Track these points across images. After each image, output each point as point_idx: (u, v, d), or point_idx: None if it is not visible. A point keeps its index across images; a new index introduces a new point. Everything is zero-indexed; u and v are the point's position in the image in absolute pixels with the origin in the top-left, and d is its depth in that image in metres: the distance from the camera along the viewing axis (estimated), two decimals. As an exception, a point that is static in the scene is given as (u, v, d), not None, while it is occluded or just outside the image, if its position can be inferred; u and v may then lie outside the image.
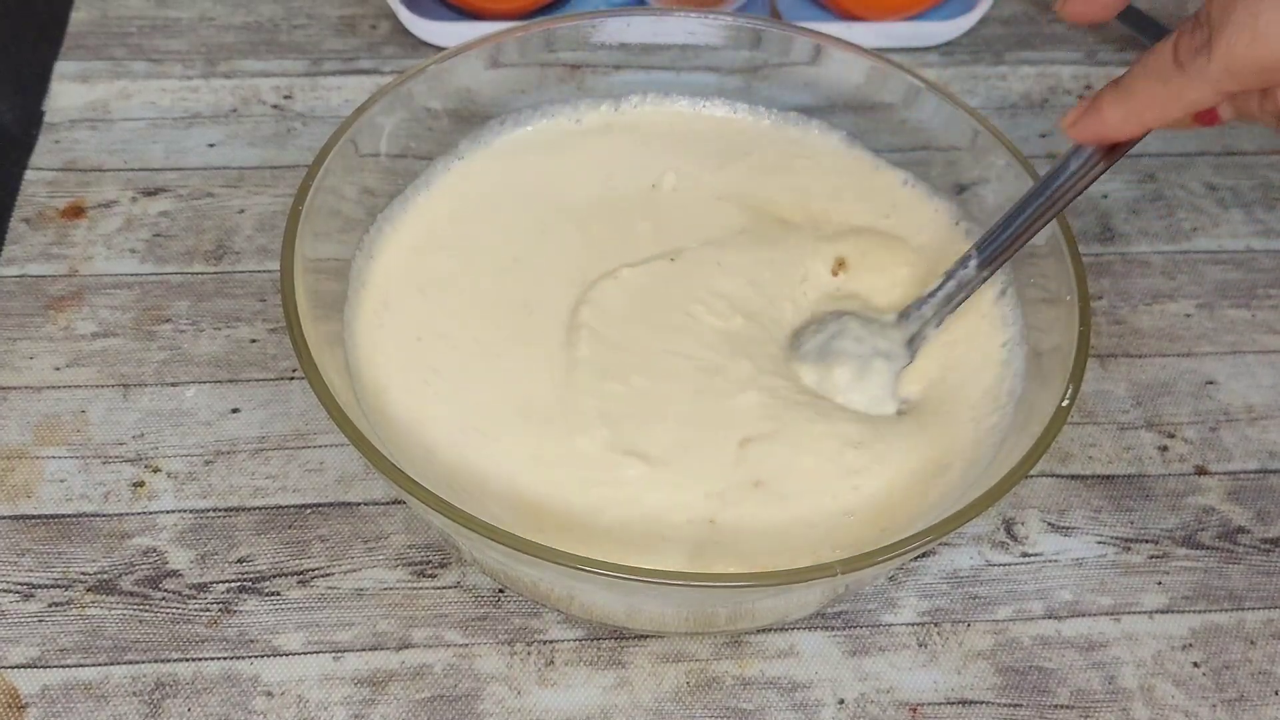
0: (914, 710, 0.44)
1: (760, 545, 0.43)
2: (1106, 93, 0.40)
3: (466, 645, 0.45)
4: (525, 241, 0.52)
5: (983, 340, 0.49)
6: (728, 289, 0.50)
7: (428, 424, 0.45)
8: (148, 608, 0.46)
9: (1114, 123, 0.40)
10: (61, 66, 0.65)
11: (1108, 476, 0.51)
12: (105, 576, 0.46)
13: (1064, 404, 0.41)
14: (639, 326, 0.48)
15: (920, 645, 0.46)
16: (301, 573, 0.47)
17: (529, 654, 0.45)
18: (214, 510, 0.48)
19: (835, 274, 0.50)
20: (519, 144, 0.55)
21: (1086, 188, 0.44)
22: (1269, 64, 0.35)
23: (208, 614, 0.46)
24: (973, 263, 0.47)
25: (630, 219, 0.53)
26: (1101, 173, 0.44)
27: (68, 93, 0.64)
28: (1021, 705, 0.45)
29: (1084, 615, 0.47)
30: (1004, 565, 0.48)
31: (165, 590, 0.46)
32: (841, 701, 0.44)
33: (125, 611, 0.45)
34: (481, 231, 0.52)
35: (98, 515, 0.48)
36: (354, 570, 0.47)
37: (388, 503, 0.49)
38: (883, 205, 0.53)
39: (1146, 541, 0.49)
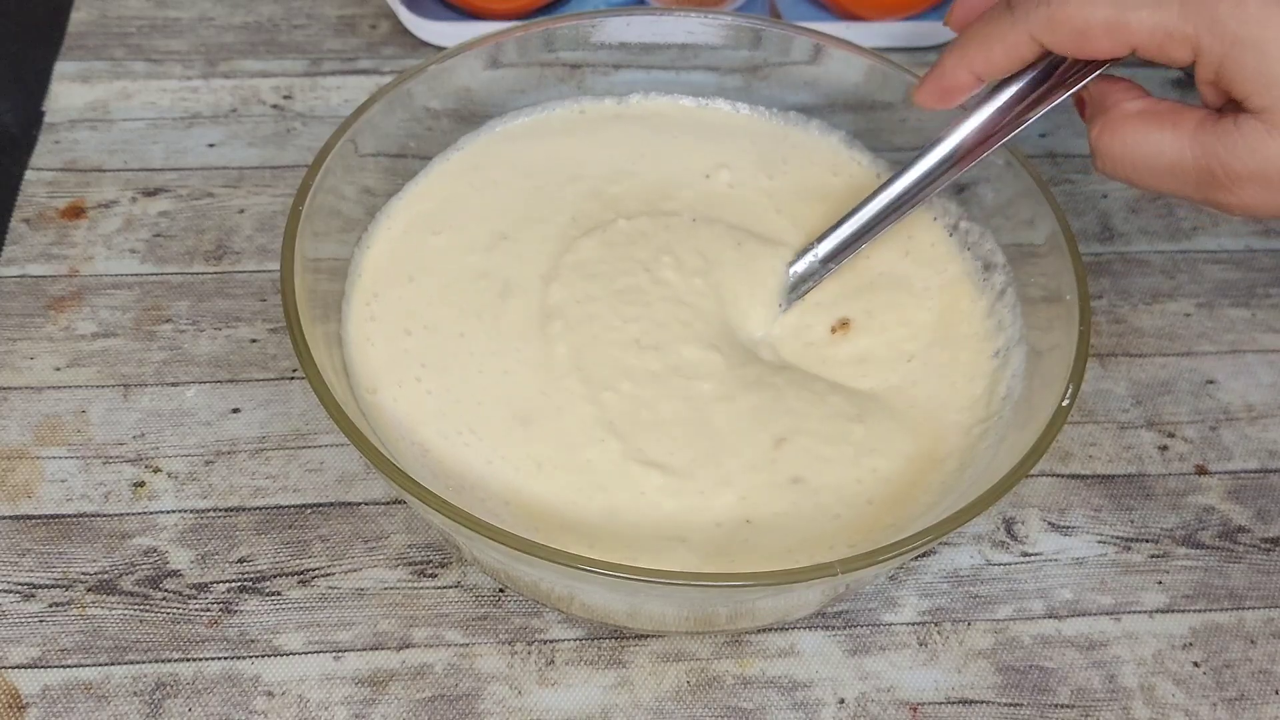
0: (914, 709, 0.44)
1: (789, 541, 0.43)
2: (947, 47, 0.44)
3: (467, 645, 0.45)
4: (521, 215, 0.52)
5: (968, 343, 0.49)
6: (725, 262, 0.50)
7: (421, 423, 0.45)
8: (148, 608, 0.46)
9: (949, 70, 0.44)
10: (61, 66, 0.65)
11: (1108, 476, 0.51)
12: (106, 576, 0.46)
13: (1064, 403, 0.41)
14: (603, 301, 0.48)
15: (920, 644, 0.46)
16: (302, 573, 0.47)
17: (529, 654, 0.45)
18: (214, 510, 0.48)
19: (834, 331, 0.50)
20: (523, 130, 0.55)
21: (928, 196, 0.48)
22: (1089, 28, 0.38)
23: (208, 614, 0.46)
24: (811, 257, 0.50)
25: (669, 193, 0.53)
26: (945, 183, 0.48)
27: (68, 93, 0.64)
28: (1022, 704, 0.45)
29: (1084, 614, 0.47)
30: (1004, 565, 0.48)
31: (166, 590, 0.46)
32: (842, 701, 0.44)
33: (126, 611, 0.45)
34: (476, 209, 0.52)
35: (98, 515, 0.48)
36: (354, 570, 0.47)
37: (388, 502, 0.49)
38: (900, 238, 0.52)
39: (1147, 541, 0.49)
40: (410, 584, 0.47)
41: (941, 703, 0.45)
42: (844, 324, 0.49)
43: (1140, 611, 0.47)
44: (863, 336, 0.49)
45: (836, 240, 0.50)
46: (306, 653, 0.45)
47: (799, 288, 0.50)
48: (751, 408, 0.46)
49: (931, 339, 0.49)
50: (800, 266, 0.50)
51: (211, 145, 0.62)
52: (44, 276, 0.56)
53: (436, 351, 0.47)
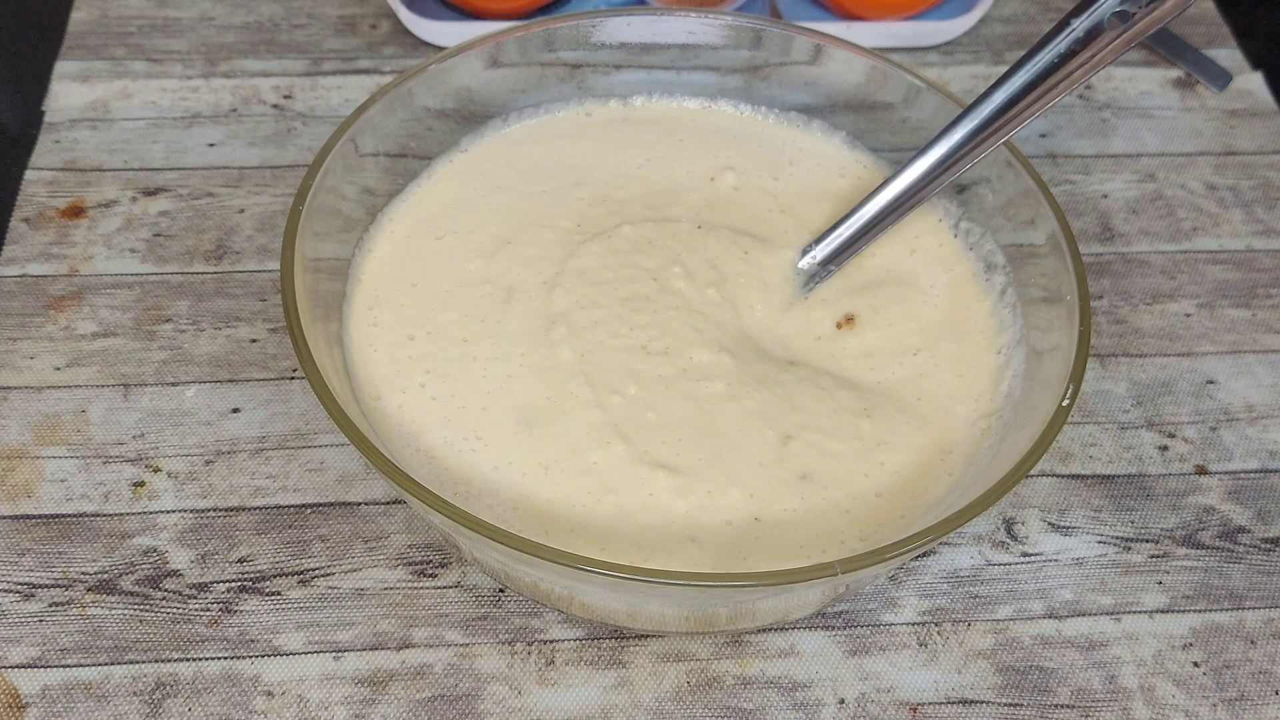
0: (914, 710, 0.44)
1: (799, 538, 0.43)
2: None
3: (467, 645, 0.45)
4: (525, 219, 0.52)
5: (975, 337, 0.49)
6: (737, 273, 0.50)
7: (426, 430, 0.45)
8: (148, 608, 0.46)
9: None
10: (61, 66, 0.65)
11: (1108, 476, 0.51)
12: (106, 576, 0.46)
13: (1064, 403, 0.41)
14: (608, 308, 0.48)
15: (920, 645, 0.46)
16: (302, 572, 0.47)
17: (529, 654, 0.45)
18: (214, 510, 0.48)
19: (840, 327, 0.50)
20: (529, 132, 0.55)
21: (929, 196, 0.49)
22: None
23: (208, 614, 0.46)
24: (811, 259, 0.51)
25: (674, 197, 0.53)
26: (945, 183, 0.48)
27: (68, 93, 0.64)
28: (1022, 705, 0.45)
29: (1084, 615, 0.47)
30: (1004, 565, 0.48)
31: (166, 590, 0.46)
32: (842, 701, 0.44)
33: (126, 611, 0.45)
34: (479, 214, 0.52)
35: (98, 515, 0.48)
36: (354, 570, 0.47)
37: (388, 502, 0.49)
38: (906, 237, 0.52)
39: (1147, 541, 0.49)
40: (410, 584, 0.47)
41: (941, 703, 0.45)
42: (849, 319, 0.49)
43: (1140, 612, 0.47)
44: (869, 331, 0.49)
45: (837, 242, 0.50)
46: (306, 653, 0.45)
47: (806, 287, 0.50)
48: (758, 406, 0.46)
49: (938, 333, 0.49)
50: (805, 267, 0.50)
51: (212, 145, 0.62)
52: (44, 276, 0.56)
53: (440, 358, 0.47)
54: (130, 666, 0.44)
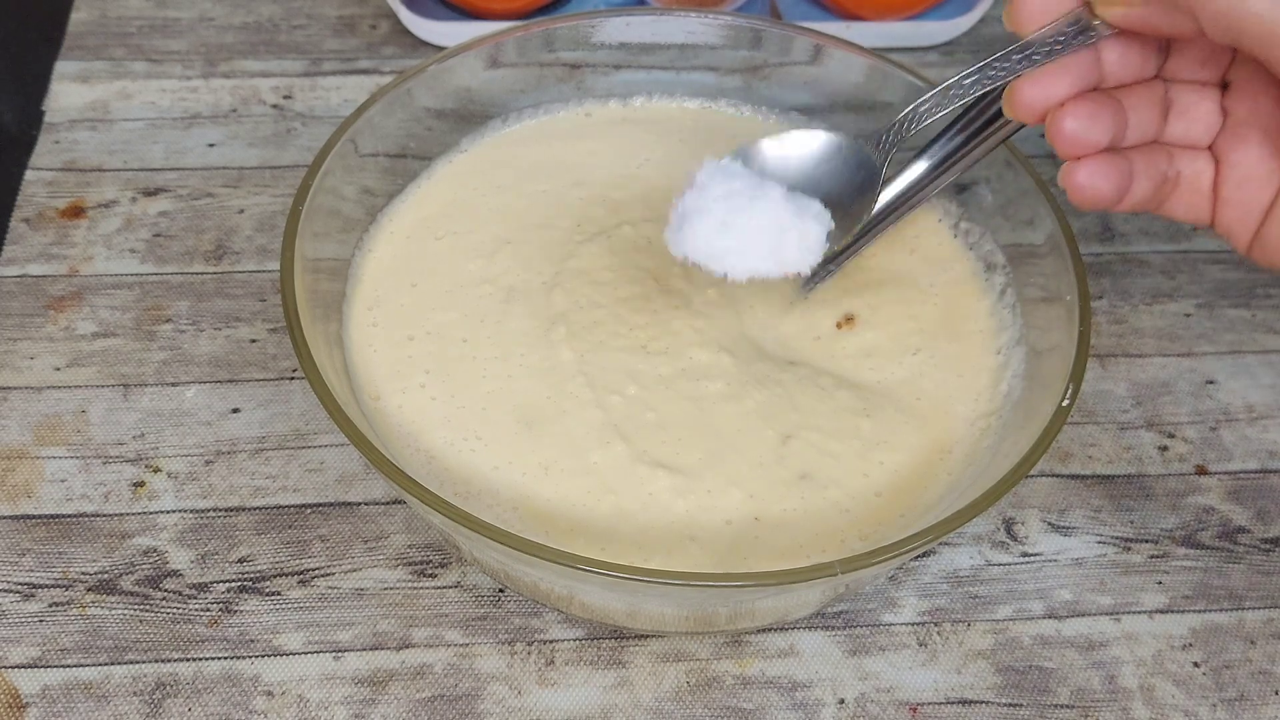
0: (914, 710, 0.44)
1: (799, 538, 0.43)
2: None
3: (467, 645, 0.45)
4: (525, 220, 0.52)
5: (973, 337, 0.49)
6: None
7: (425, 430, 0.45)
8: (148, 608, 0.46)
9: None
10: (61, 66, 0.65)
11: (1108, 476, 0.51)
12: (106, 576, 0.46)
13: (1064, 404, 0.41)
14: (607, 308, 0.48)
15: (920, 645, 0.46)
16: (302, 572, 0.47)
17: (529, 654, 0.45)
18: (214, 510, 0.48)
19: (840, 327, 0.49)
20: (529, 132, 0.56)
21: (929, 196, 0.49)
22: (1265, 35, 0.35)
23: (208, 614, 0.46)
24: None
25: (672, 198, 0.53)
26: (945, 183, 0.48)
27: (68, 93, 0.64)
28: (1021, 705, 0.45)
29: (1084, 615, 0.47)
30: (1004, 565, 0.48)
31: (166, 590, 0.46)
32: (841, 701, 0.44)
33: (126, 611, 0.45)
34: (479, 214, 0.52)
35: (98, 515, 0.48)
36: (354, 570, 0.47)
37: (388, 502, 0.49)
38: (906, 237, 0.52)
39: (1146, 541, 0.49)
40: (410, 584, 0.47)
41: (941, 703, 0.45)
42: (849, 319, 0.49)
43: (1140, 612, 0.47)
44: (868, 330, 0.49)
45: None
46: (306, 653, 0.45)
47: (806, 287, 0.50)
48: (758, 406, 0.46)
49: (937, 332, 0.49)
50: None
51: (211, 145, 0.62)
52: (44, 276, 0.56)
53: (440, 358, 0.47)
54: (130, 666, 0.44)
